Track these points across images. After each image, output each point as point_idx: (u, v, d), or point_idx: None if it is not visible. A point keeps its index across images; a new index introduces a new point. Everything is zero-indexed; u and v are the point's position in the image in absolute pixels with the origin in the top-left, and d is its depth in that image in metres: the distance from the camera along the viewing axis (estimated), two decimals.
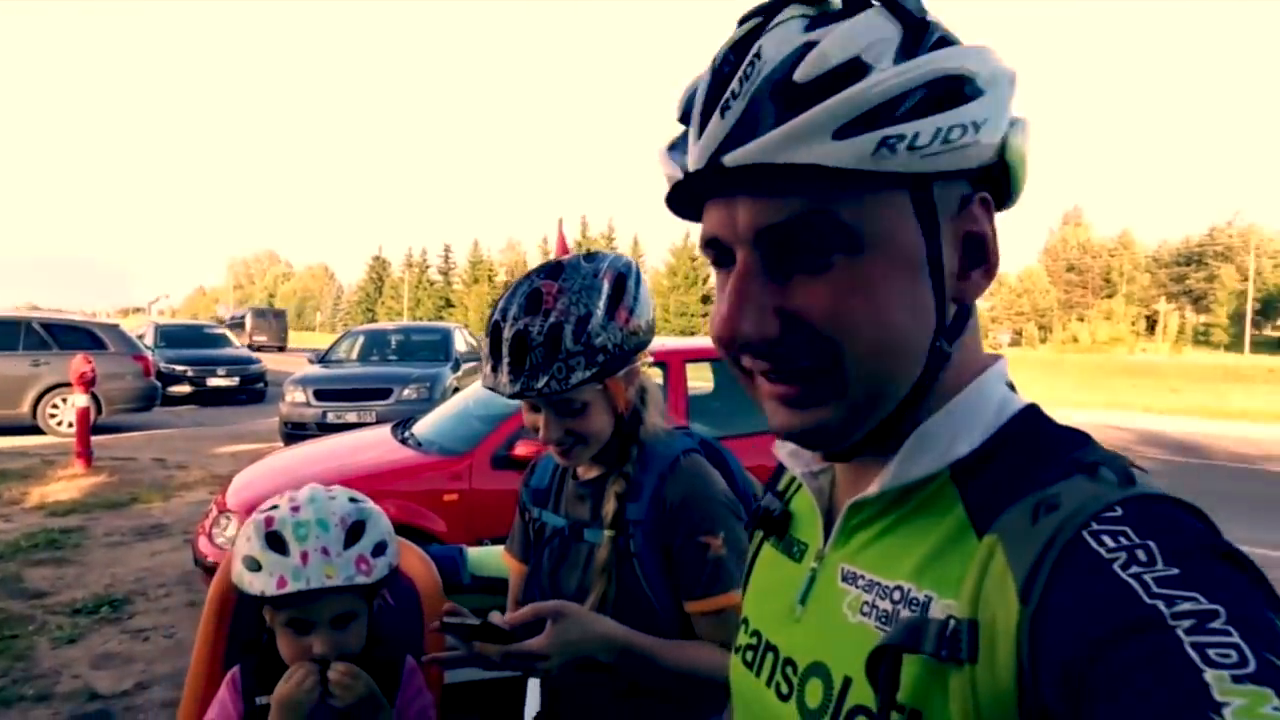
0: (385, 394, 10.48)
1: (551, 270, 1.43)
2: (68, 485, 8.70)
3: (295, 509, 1.47)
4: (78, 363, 9.69)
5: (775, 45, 0.60)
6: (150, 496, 8.28)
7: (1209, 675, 0.43)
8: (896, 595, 0.63)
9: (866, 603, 0.66)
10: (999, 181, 0.66)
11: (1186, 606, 0.46)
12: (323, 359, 12.92)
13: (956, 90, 0.60)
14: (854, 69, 0.59)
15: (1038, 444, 0.64)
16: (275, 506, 1.49)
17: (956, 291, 0.65)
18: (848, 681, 0.64)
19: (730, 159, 0.59)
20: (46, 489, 8.50)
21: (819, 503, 0.77)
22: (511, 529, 1.72)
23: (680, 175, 0.64)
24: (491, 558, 2.14)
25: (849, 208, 0.60)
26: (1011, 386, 0.71)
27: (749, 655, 0.80)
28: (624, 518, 1.44)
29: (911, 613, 0.61)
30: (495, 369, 1.40)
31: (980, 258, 0.65)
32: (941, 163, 0.60)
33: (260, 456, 6.09)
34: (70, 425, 11.05)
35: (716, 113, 0.60)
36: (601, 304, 1.39)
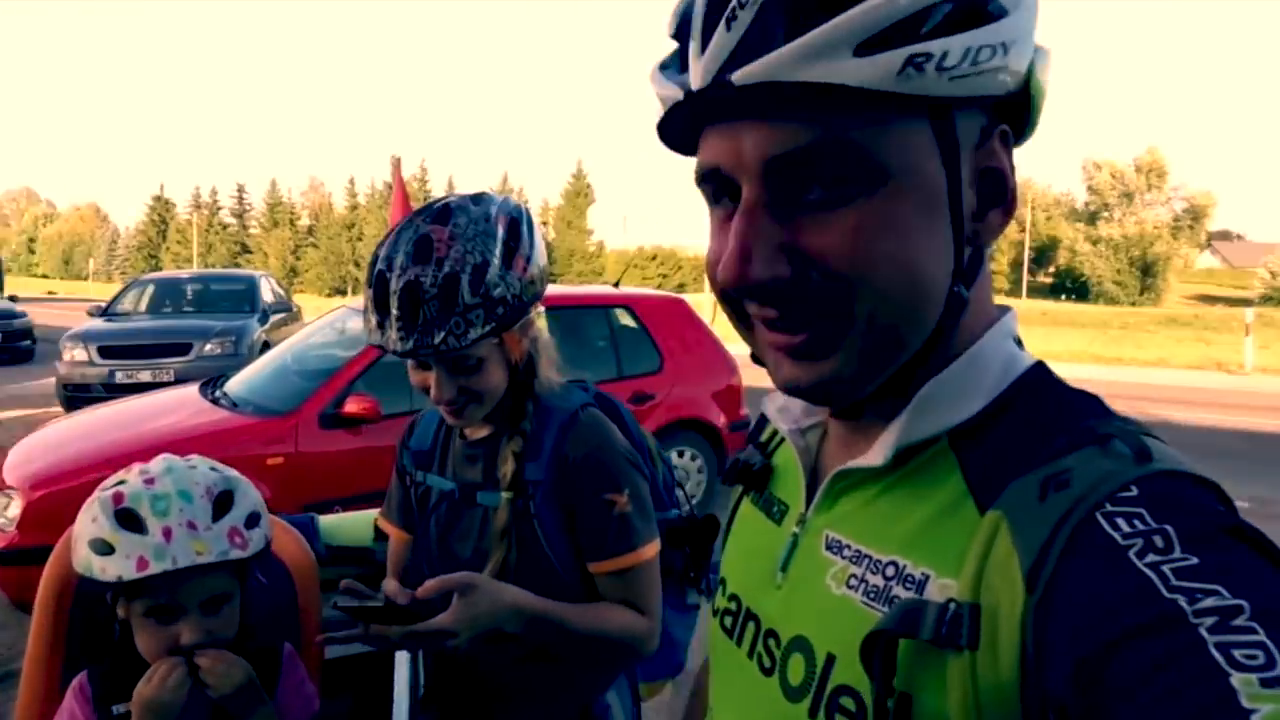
0: (184, 349, 9.70)
1: (439, 214, 1.32)
2: None
3: (149, 481, 1.31)
4: None
5: None
6: None
7: (1236, 679, 0.41)
8: (890, 570, 0.59)
9: (854, 575, 0.62)
10: (1018, 114, 0.61)
11: (1210, 602, 0.44)
12: (105, 312, 11.78)
13: (981, 7, 0.54)
14: None
15: (1045, 409, 0.60)
16: (122, 481, 1.32)
17: (972, 232, 0.60)
18: (830, 659, 0.61)
19: (739, 76, 0.53)
20: None
21: (803, 462, 0.72)
22: (388, 493, 1.63)
23: (679, 96, 0.58)
24: (348, 525, 2.04)
25: (869, 135, 0.54)
26: (1018, 342, 0.66)
27: (728, 621, 0.76)
28: (523, 478, 1.37)
29: (907, 590, 0.57)
30: (382, 324, 1.29)
31: (999, 196, 0.61)
32: (968, 86, 0.55)
33: (36, 424, 5.51)
34: None
35: (722, 24, 0.54)
36: (498, 251, 1.30)
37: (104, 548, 1.25)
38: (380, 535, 2.06)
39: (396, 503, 1.60)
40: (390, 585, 1.26)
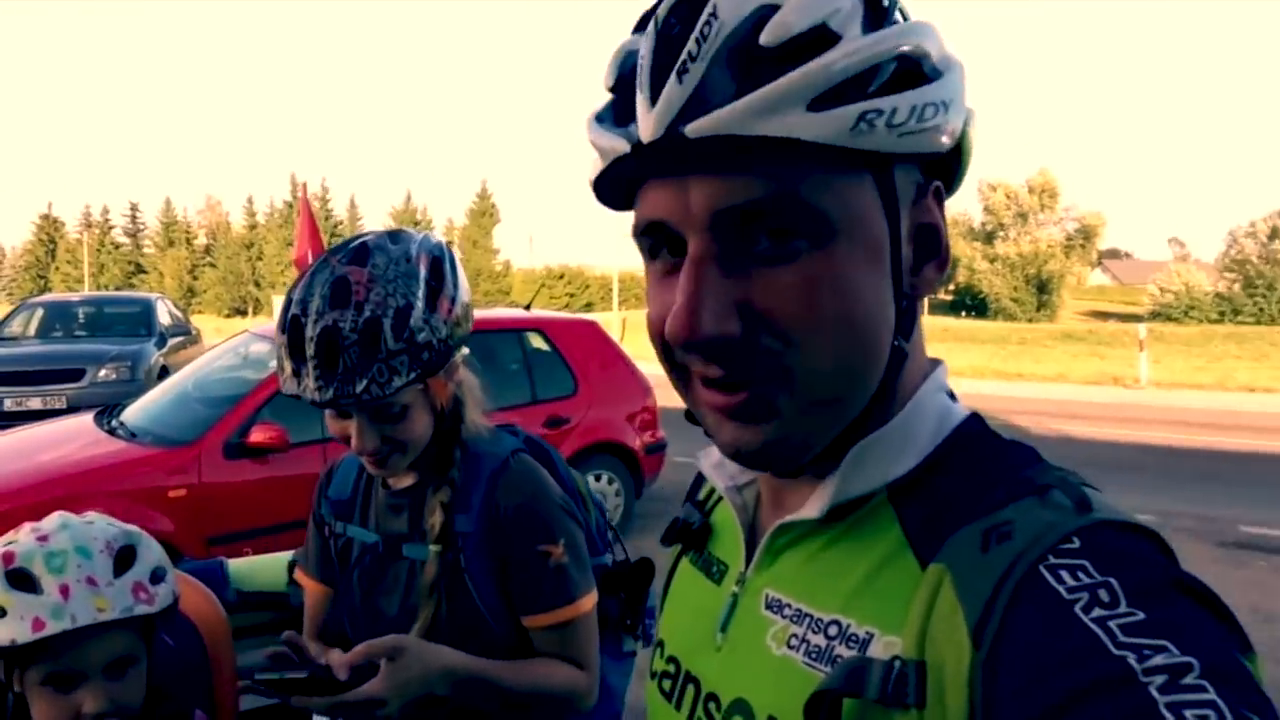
0: (77, 375, 9.32)
1: (356, 254, 1.26)
2: None
3: (43, 538, 1.22)
4: None
5: (731, 7, 0.54)
6: None
7: None
8: (832, 630, 0.58)
9: (795, 635, 0.61)
10: (948, 170, 0.62)
11: (1158, 660, 0.43)
12: None
13: (918, 69, 0.56)
14: (822, 37, 0.54)
15: (982, 461, 0.60)
16: (12, 541, 1.23)
17: (910, 286, 0.60)
18: None
19: (693, 129, 0.53)
20: None
21: (741, 520, 0.71)
22: (305, 544, 1.56)
23: (624, 148, 0.57)
24: (259, 569, 1.97)
25: (817, 189, 0.54)
26: (951, 395, 0.66)
27: (666, 684, 0.74)
28: (452, 530, 1.31)
29: (850, 649, 0.56)
30: (298, 372, 1.23)
31: (933, 250, 0.61)
32: (913, 143, 0.55)
33: None
34: None
35: (673, 76, 0.54)
36: (421, 293, 1.24)
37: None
38: (293, 578, 2.01)
39: (315, 554, 1.51)
40: (324, 651, 1.22)
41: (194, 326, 14.00)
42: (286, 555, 2.01)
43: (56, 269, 79.00)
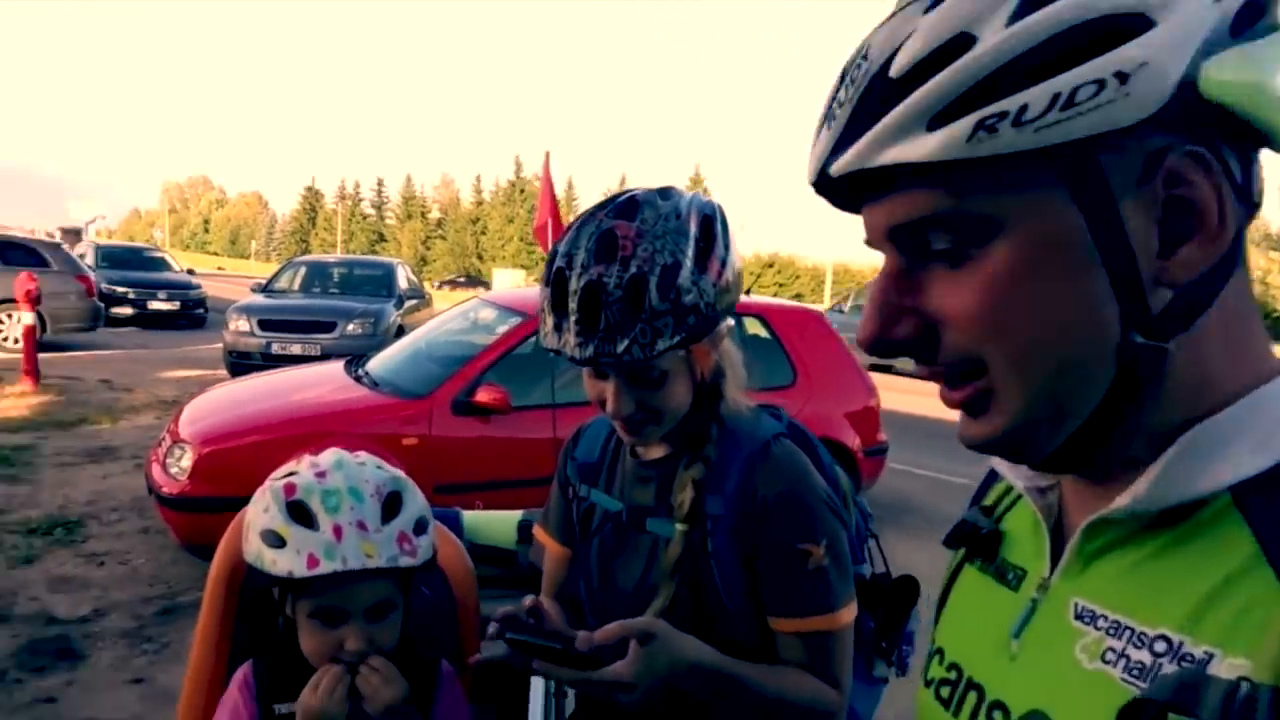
0: (330, 327, 9.95)
1: (624, 208, 1.11)
2: (16, 402, 8.10)
3: (320, 474, 1.18)
4: (22, 280, 8.98)
5: (884, 38, 0.52)
6: (99, 418, 7.76)
7: None
8: (1160, 646, 0.50)
9: (1112, 649, 0.52)
10: (1225, 123, 0.49)
11: None
12: (265, 288, 12.27)
13: (1102, 35, 0.46)
14: (956, 46, 0.49)
15: None
16: (293, 472, 1.20)
17: (1158, 272, 0.50)
18: None
19: (835, 168, 0.54)
20: None
21: (1046, 522, 0.62)
22: (547, 503, 1.43)
23: (812, 179, 0.58)
24: (493, 524, 1.93)
25: (976, 197, 0.51)
26: None
27: (945, 691, 0.67)
28: (702, 510, 1.15)
29: (1183, 667, 0.48)
30: (559, 326, 1.10)
31: (1190, 228, 0.50)
32: (1076, 128, 0.47)
33: (206, 384, 5.75)
34: (16, 341, 10.30)
35: (825, 123, 0.55)
36: (690, 252, 1.09)
37: (275, 540, 1.14)
38: (524, 538, 1.90)
39: (557, 515, 1.39)
40: (548, 606, 1.14)
41: (427, 291, 14.75)
42: (517, 514, 1.96)
43: (315, 235, 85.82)
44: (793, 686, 1.13)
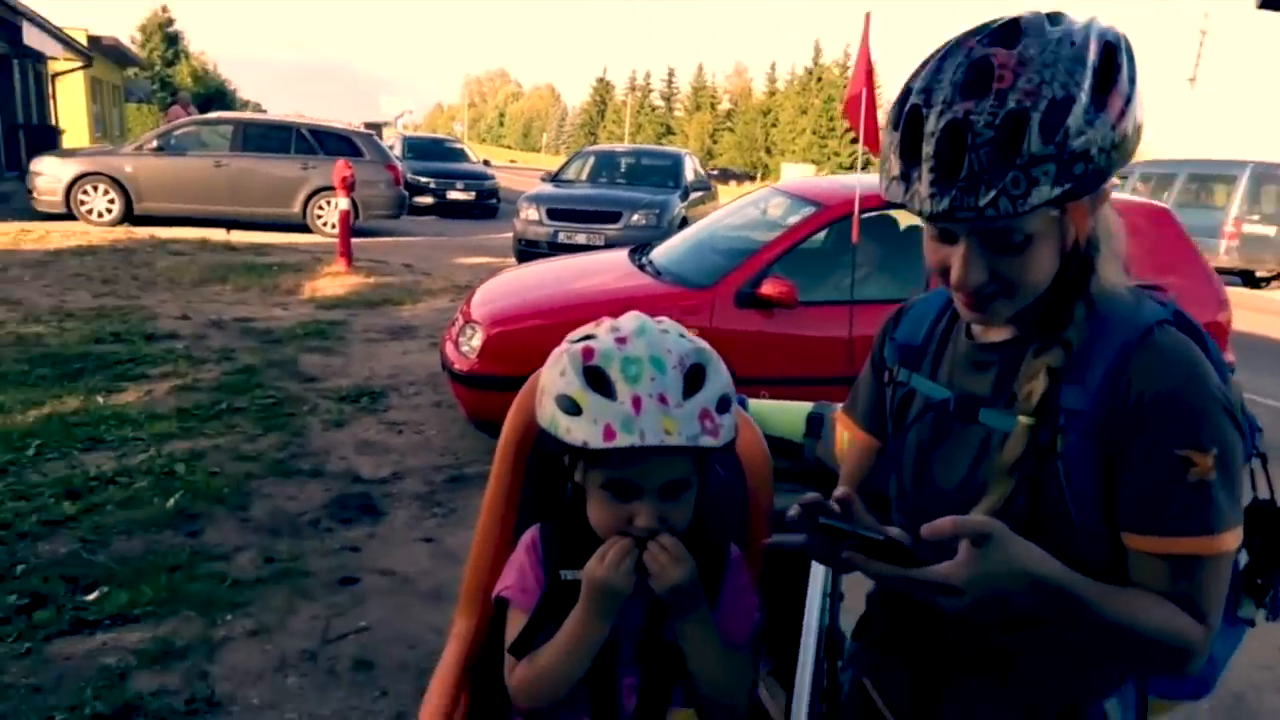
0: (615, 218, 10.42)
1: (1003, 33, 0.95)
2: (332, 282, 9.34)
3: (621, 340, 1.15)
4: (339, 167, 10.20)
5: None
6: (401, 298, 8.75)
7: None
8: None
9: None
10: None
11: None
12: (555, 178, 13.02)
13: None
14: None
15: None
16: (591, 336, 1.18)
17: None
18: None
19: None
20: (315, 284, 9.17)
21: None
22: (854, 388, 1.36)
23: None
24: (779, 415, 1.88)
25: None
26: None
27: None
28: (1054, 403, 1.02)
29: None
30: (907, 175, 0.98)
31: None
32: None
33: (496, 271, 6.19)
34: (332, 226, 11.82)
35: None
36: (1086, 85, 0.92)
37: (571, 407, 1.13)
38: (813, 431, 1.88)
39: (866, 402, 1.32)
40: (842, 493, 1.07)
41: (712, 184, 14.88)
42: (807, 405, 1.88)
43: (604, 127, 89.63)
44: (1143, 611, 0.98)
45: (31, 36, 15.46)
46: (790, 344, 4.47)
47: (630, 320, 1.20)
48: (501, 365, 4.39)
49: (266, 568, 3.39)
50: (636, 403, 1.11)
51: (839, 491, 1.07)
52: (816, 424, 1.85)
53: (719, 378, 1.18)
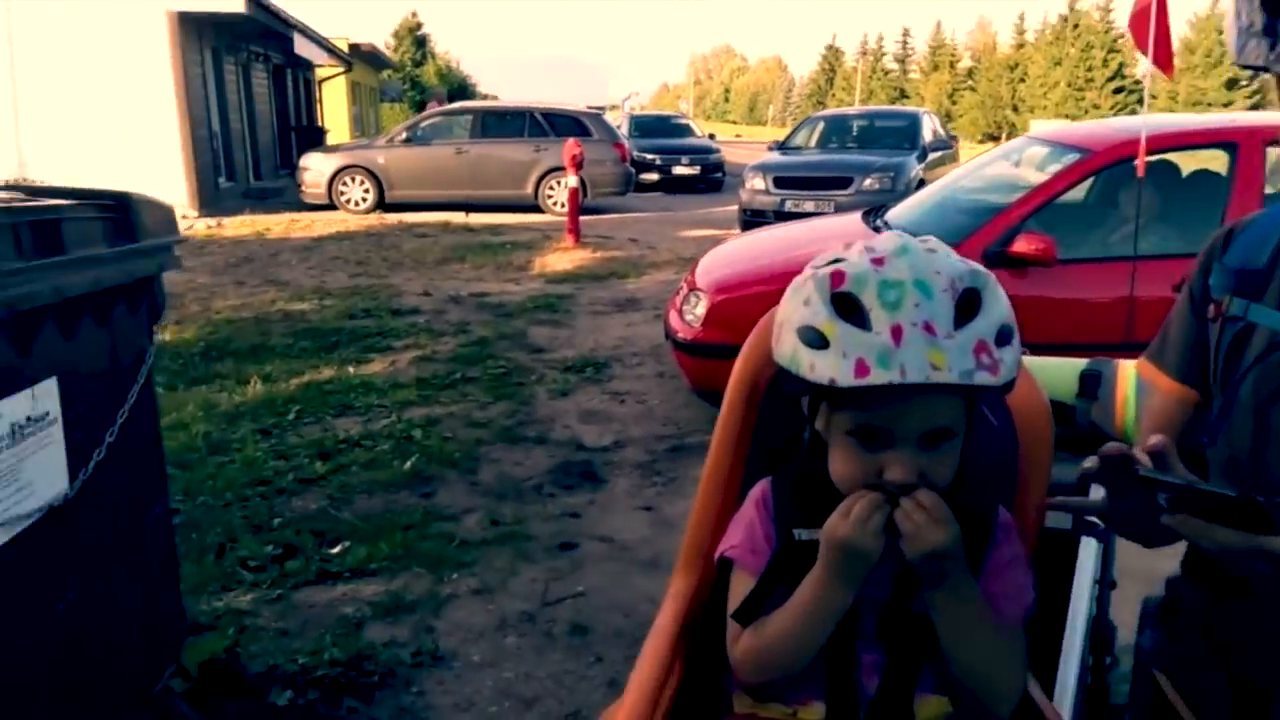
0: (845, 183, 10.06)
1: None
2: (560, 257, 9.65)
3: (877, 261, 0.96)
4: (569, 145, 10.50)
5: None
6: (626, 271, 8.87)
7: None
8: None
9: None
10: None
11: None
12: (782, 146, 12.77)
13: None
14: None
15: None
16: (840, 259, 1.00)
17: None
18: None
19: None
20: (545, 260, 9.52)
21: None
22: (1162, 331, 1.15)
23: None
24: (1047, 371, 1.61)
25: None
26: None
27: None
28: None
29: None
30: (1275, 28, 0.81)
31: None
32: None
33: (721, 242, 6.10)
34: (562, 206, 12.22)
35: None
36: None
37: (816, 339, 0.95)
38: (1087, 392, 1.61)
39: (1180, 343, 1.11)
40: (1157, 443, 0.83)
41: (954, 144, 14.02)
42: (1081, 362, 1.59)
43: (833, 95, 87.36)
44: None
45: (301, 47, 17.13)
46: (1051, 307, 4.01)
47: (889, 239, 1.00)
48: (726, 333, 4.26)
49: (492, 530, 3.48)
50: (896, 333, 0.92)
51: (1152, 440, 0.84)
52: (1092, 383, 1.56)
53: (998, 304, 0.97)
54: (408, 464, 4.05)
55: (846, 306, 0.95)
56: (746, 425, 1.30)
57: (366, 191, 13.56)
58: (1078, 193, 4.48)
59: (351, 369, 5.52)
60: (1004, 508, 1.10)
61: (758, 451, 1.29)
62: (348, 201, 13.56)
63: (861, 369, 0.91)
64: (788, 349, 0.98)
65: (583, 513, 3.67)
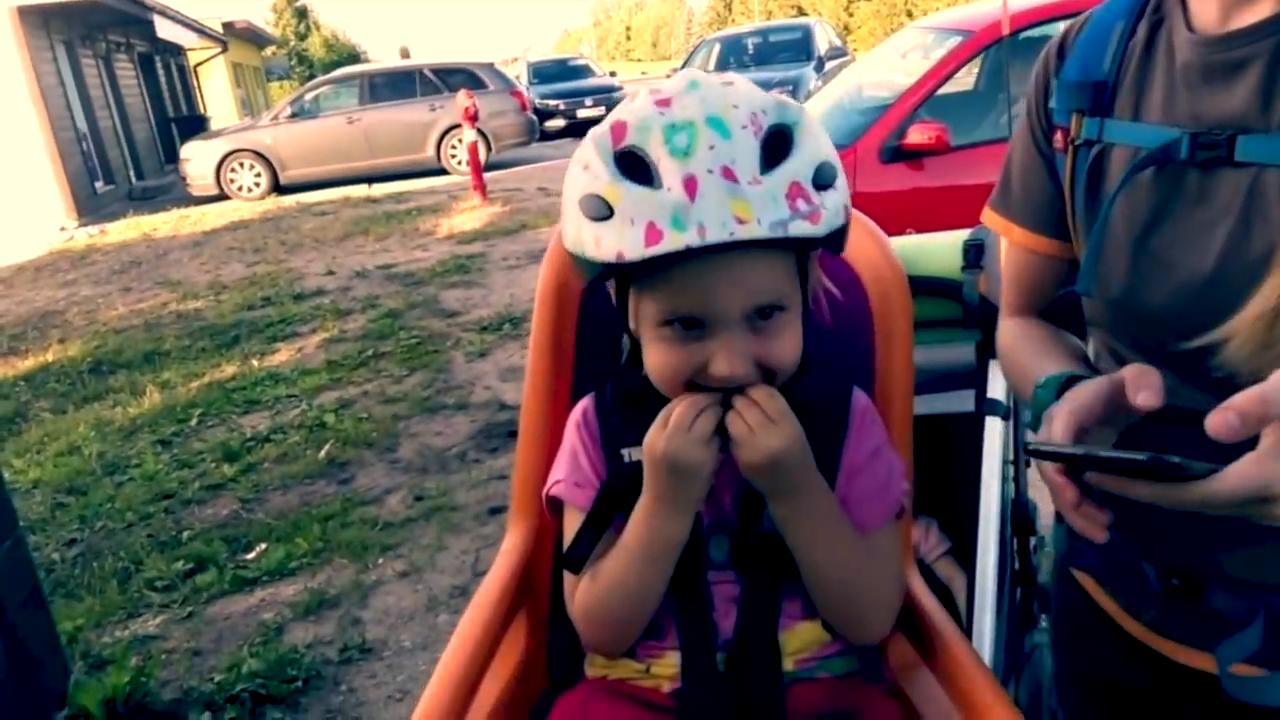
0: None
1: None
2: (469, 217, 9.37)
3: (663, 103, 0.80)
4: (460, 99, 10.12)
5: None
6: (538, 222, 8.64)
7: None
8: None
9: None
10: None
11: None
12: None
13: None
14: None
15: None
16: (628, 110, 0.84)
17: None
18: None
19: None
20: (453, 221, 9.23)
21: None
22: (1004, 170, 0.96)
23: None
24: (927, 251, 1.52)
25: None
26: None
27: None
28: None
29: None
30: None
31: None
32: None
33: None
34: (464, 164, 11.86)
35: None
36: None
37: (599, 208, 0.79)
38: (972, 262, 1.51)
39: (1024, 185, 0.92)
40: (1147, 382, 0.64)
41: (851, 51, 13.94)
42: (963, 233, 1.50)
43: (732, 21, 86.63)
44: None
45: (165, 30, 16.22)
46: (951, 195, 3.94)
47: (680, 78, 0.83)
48: None
49: (416, 507, 3.35)
50: (690, 184, 0.75)
51: (1133, 371, 0.66)
52: (976, 253, 1.47)
53: (813, 141, 0.82)
54: (322, 452, 3.88)
55: (632, 165, 0.79)
56: (562, 341, 1.13)
57: (258, 176, 12.96)
58: (969, 78, 4.43)
59: (255, 362, 5.27)
60: (861, 390, 0.96)
61: (587, 370, 1.13)
62: (239, 189, 12.94)
63: (652, 235, 0.75)
64: (572, 228, 0.83)
65: (509, 473, 3.54)
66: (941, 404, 1.51)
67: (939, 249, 1.50)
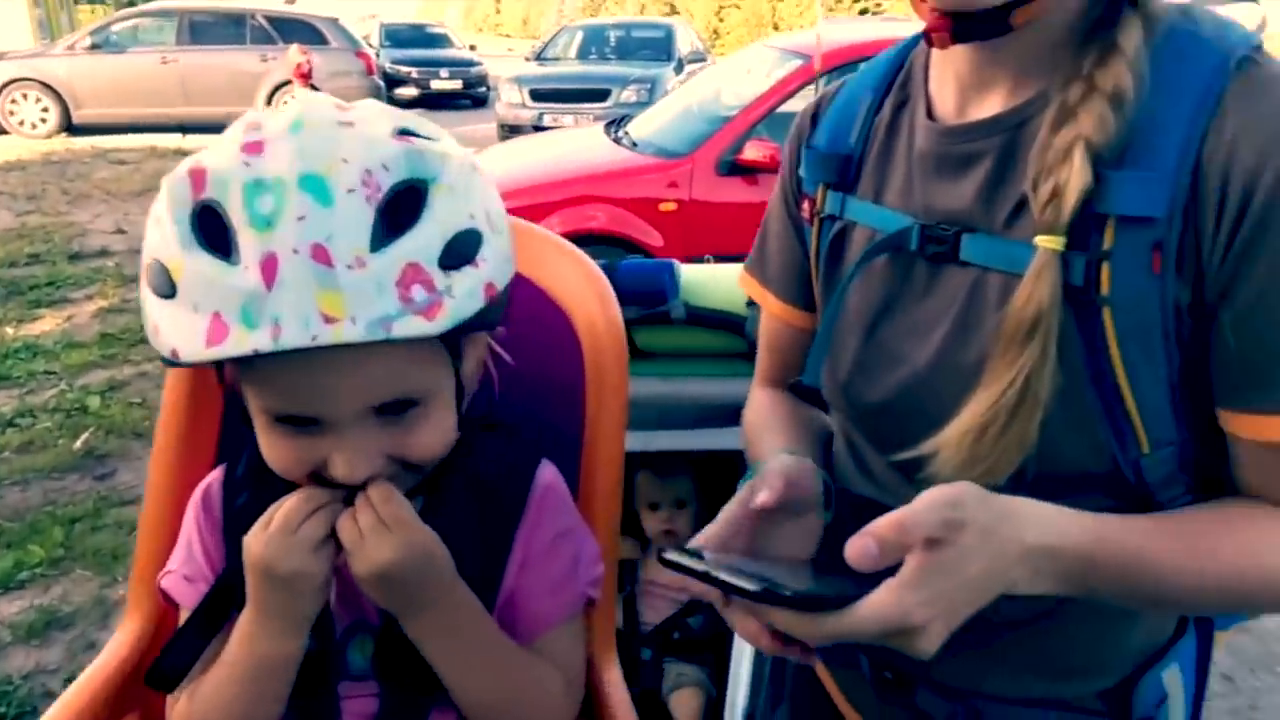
0: (603, 95, 9.97)
1: None
2: None
3: (252, 148, 0.65)
4: (293, 54, 9.61)
5: None
6: None
7: None
8: None
9: None
10: None
11: None
12: (540, 56, 12.48)
13: None
14: None
15: None
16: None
17: None
18: None
19: None
20: None
21: None
22: (760, 234, 0.93)
23: None
24: (719, 281, 1.56)
25: None
26: None
27: None
28: (1090, 211, 0.61)
29: None
30: None
31: None
32: None
33: None
34: None
35: None
36: None
37: (162, 283, 0.66)
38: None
39: (778, 253, 0.89)
40: (765, 498, 0.68)
41: (711, 56, 14.22)
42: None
43: (606, 8, 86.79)
44: (1254, 549, 0.63)
45: None
46: None
47: (289, 108, 0.69)
48: None
49: None
50: (269, 265, 0.62)
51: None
52: None
53: (454, 203, 0.69)
54: (78, 442, 3.53)
55: (210, 227, 0.65)
56: (201, 399, 1.00)
57: (45, 111, 11.79)
58: (811, 94, 4.61)
59: (10, 330, 4.76)
60: (550, 462, 0.88)
61: (235, 431, 0.98)
62: (20, 123, 11.70)
63: (217, 330, 0.62)
64: (143, 300, 0.70)
65: None
66: (726, 439, 1.50)
67: (727, 280, 1.53)
